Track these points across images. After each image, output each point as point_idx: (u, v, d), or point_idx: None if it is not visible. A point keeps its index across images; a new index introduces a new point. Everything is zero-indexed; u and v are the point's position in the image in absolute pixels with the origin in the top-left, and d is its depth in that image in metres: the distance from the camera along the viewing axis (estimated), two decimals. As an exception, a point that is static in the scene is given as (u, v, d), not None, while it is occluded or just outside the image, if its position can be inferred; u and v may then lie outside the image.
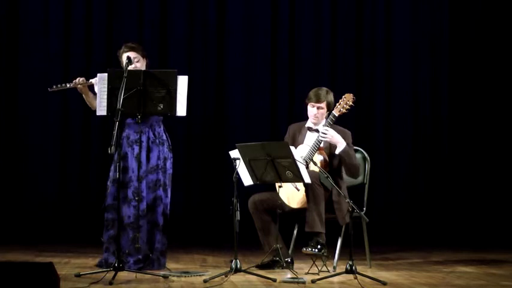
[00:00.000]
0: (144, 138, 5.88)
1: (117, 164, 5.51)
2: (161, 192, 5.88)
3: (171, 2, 9.03)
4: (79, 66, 8.59)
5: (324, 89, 6.15)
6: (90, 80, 5.91)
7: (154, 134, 5.92)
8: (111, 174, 5.90)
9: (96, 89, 5.82)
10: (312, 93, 6.13)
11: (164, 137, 5.97)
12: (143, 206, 5.80)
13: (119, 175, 5.49)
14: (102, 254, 5.94)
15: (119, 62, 6.02)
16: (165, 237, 5.93)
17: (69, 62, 8.76)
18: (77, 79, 5.91)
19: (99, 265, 5.86)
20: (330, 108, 6.10)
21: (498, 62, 9.14)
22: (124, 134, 5.93)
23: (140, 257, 5.77)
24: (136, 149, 5.86)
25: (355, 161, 6.07)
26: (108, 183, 5.90)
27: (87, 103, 6.02)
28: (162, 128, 5.98)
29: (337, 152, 6.01)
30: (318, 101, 6.08)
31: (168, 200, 5.94)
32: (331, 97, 6.12)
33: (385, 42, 9.17)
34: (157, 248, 5.86)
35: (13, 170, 8.78)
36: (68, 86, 5.89)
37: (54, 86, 5.93)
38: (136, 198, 5.79)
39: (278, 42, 9.12)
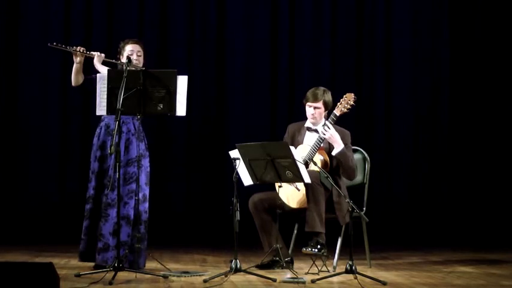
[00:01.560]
0: (124, 129, 5.89)
1: (116, 164, 5.49)
2: (135, 187, 5.85)
3: (171, 2, 9.03)
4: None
5: (321, 88, 6.16)
6: (91, 52, 5.93)
7: (134, 127, 5.92)
8: (92, 166, 5.92)
9: (95, 62, 5.89)
10: (309, 93, 6.14)
11: (143, 135, 5.97)
12: (113, 195, 5.73)
13: (119, 175, 5.49)
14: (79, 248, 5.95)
15: (118, 53, 6.04)
16: (142, 233, 5.84)
17: (69, 62, 8.72)
18: (78, 47, 5.92)
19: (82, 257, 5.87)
20: (327, 108, 6.12)
21: (499, 62, 9.14)
22: (103, 123, 5.94)
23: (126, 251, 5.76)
24: (116, 138, 5.84)
25: (351, 164, 6.06)
26: (91, 174, 5.92)
27: (73, 75, 5.95)
28: (141, 125, 5.98)
29: (333, 153, 6.01)
30: (315, 100, 6.10)
31: (143, 196, 5.88)
32: (328, 96, 6.13)
33: (385, 42, 9.17)
34: (127, 242, 5.74)
35: (13, 170, 8.78)
36: (67, 48, 5.89)
37: (54, 43, 5.93)
38: (109, 187, 5.77)
39: (278, 42, 9.12)
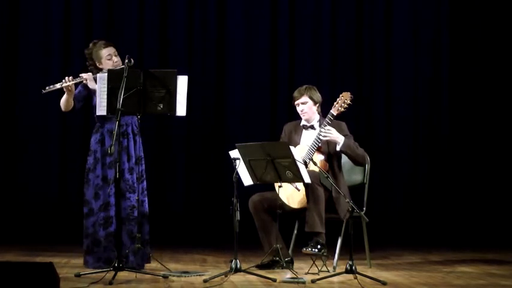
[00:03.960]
0: (129, 130, 5.90)
1: (117, 164, 5.47)
2: (144, 185, 5.92)
3: (171, 2, 9.03)
4: (79, 66, 8.57)
5: (305, 85, 6.25)
6: (81, 76, 5.90)
7: (136, 126, 5.94)
8: (103, 173, 5.89)
9: (89, 84, 5.87)
10: (294, 93, 6.24)
11: (140, 133, 6.00)
12: (135, 196, 5.81)
13: (119, 175, 5.48)
14: (86, 257, 5.90)
15: (89, 59, 6.00)
16: (147, 231, 5.94)
17: (69, 62, 8.75)
18: (66, 78, 5.87)
19: (95, 267, 5.82)
20: (315, 102, 6.18)
21: (499, 62, 9.14)
22: (105, 129, 5.92)
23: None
24: (124, 141, 5.85)
25: (358, 151, 6.10)
26: (92, 179, 5.89)
27: (64, 102, 5.92)
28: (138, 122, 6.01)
29: (338, 149, 6.03)
30: (299, 96, 6.18)
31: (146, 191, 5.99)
32: (312, 92, 6.19)
33: (385, 42, 9.18)
34: (147, 240, 5.87)
35: (13, 170, 8.78)
36: (58, 86, 5.86)
37: (47, 88, 5.89)
38: (130, 190, 5.80)
39: (278, 42, 9.12)
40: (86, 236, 5.88)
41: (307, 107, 6.16)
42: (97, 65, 5.98)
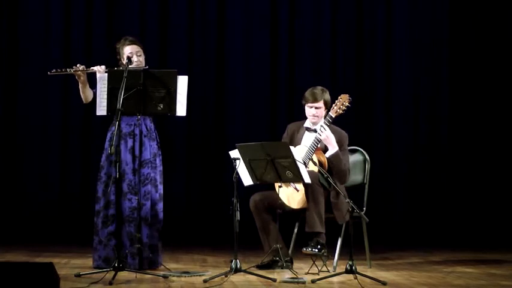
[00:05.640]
0: (137, 131, 5.89)
1: (117, 163, 5.47)
2: (150, 188, 5.90)
3: (171, 2, 9.03)
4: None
5: (319, 87, 6.15)
6: (92, 68, 5.87)
7: (146, 128, 5.93)
8: (108, 171, 5.88)
9: (98, 76, 5.83)
10: (308, 94, 6.13)
11: (155, 134, 5.98)
12: (137, 198, 5.80)
13: (118, 175, 5.48)
14: (94, 255, 5.92)
15: (117, 54, 6.01)
16: (157, 233, 5.93)
17: (69, 62, 8.71)
18: (78, 65, 5.87)
19: (97, 266, 5.82)
20: (327, 107, 6.11)
21: (499, 61, 9.13)
22: (114, 128, 5.90)
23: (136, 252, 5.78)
24: (130, 141, 5.86)
25: (343, 167, 6.02)
26: (104, 177, 5.89)
27: (81, 93, 5.93)
28: (153, 124, 5.98)
29: (327, 155, 5.99)
30: (315, 100, 6.08)
31: (159, 195, 5.95)
32: (327, 96, 6.13)
33: (385, 42, 9.17)
34: (146, 243, 5.84)
35: (13, 171, 8.78)
36: (68, 70, 5.83)
37: (53, 70, 5.85)
38: (132, 191, 5.79)
39: (278, 41, 9.12)
40: (96, 233, 5.91)
41: (320, 112, 6.10)
42: (121, 60, 5.97)
